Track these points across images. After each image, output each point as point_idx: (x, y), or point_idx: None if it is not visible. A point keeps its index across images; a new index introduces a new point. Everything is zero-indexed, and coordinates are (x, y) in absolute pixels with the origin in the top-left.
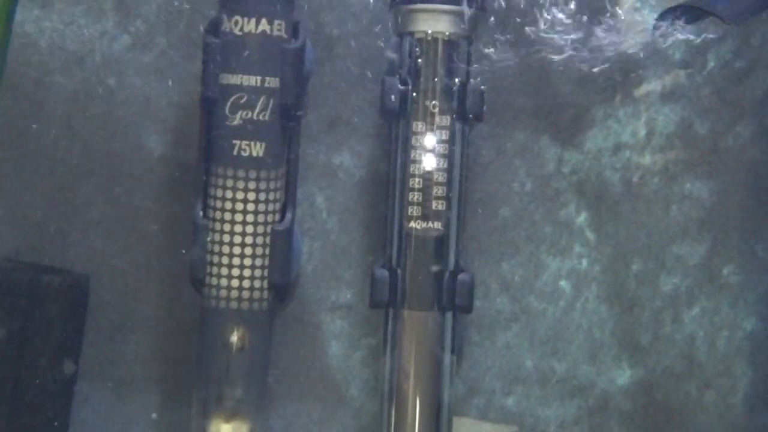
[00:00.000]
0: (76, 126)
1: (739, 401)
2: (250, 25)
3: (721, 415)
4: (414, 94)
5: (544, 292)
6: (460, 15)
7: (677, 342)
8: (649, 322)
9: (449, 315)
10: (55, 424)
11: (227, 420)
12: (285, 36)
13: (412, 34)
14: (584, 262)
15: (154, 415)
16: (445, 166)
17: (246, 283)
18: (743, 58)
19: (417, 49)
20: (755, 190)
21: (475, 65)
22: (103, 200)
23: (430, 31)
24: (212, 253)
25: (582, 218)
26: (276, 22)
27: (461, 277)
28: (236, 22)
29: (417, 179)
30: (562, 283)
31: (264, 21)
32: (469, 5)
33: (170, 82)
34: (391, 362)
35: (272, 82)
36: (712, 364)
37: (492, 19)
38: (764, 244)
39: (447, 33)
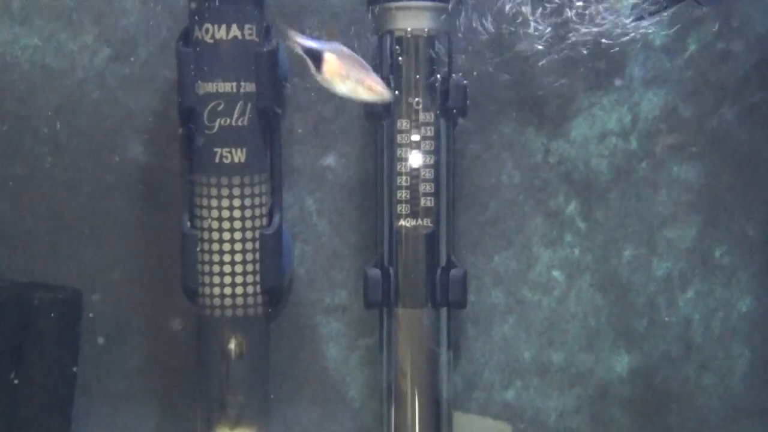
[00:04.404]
0: (61, 141)
1: (737, 381)
2: (221, 32)
3: (720, 397)
4: (397, 92)
5: (537, 283)
6: (438, 11)
7: (673, 326)
8: (644, 308)
9: (444, 311)
10: None
11: (231, 427)
12: (257, 40)
13: (391, 32)
14: (576, 251)
15: None
16: (432, 162)
17: (239, 290)
18: (724, 39)
19: (397, 47)
20: (743, 169)
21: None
22: (91, 214)
23: (409, 29)
24: (203, 262)
25: (572, 207)
26: (246, 26)
27: (454, 272)
28: (207, 30)
29: (404, 177)
30: (555, 273)
31: (234, 27)
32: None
33: (153, 93)
34: (388, 361)
35: (248, 86)
36: (709, 346)
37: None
38: (755, 223)
39: (426, 29)
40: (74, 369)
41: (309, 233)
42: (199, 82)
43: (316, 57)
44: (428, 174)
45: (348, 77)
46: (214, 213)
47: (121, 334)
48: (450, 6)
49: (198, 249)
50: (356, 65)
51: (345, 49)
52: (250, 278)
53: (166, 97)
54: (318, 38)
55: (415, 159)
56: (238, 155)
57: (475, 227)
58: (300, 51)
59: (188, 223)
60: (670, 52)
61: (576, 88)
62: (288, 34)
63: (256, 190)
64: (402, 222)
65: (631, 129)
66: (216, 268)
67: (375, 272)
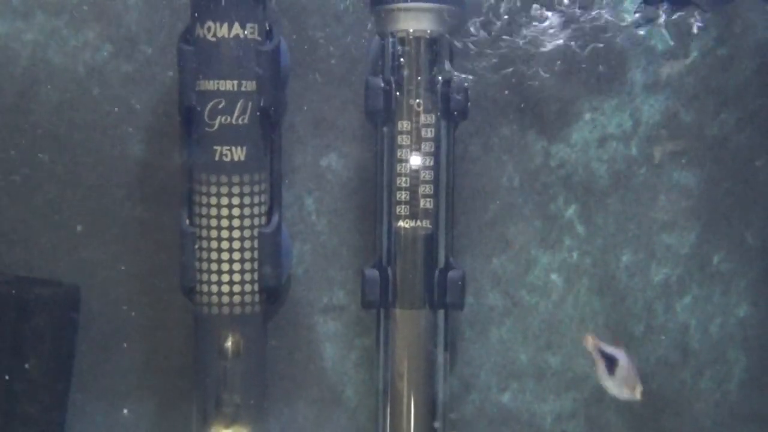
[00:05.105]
0: (61, 137)
1: (734, 387)
2: (222, 30)
3: (716, 402)
4: (398, 93)
5: (535, 286)
6: (440, 13)
7: (670, 331)
8: (641, 313)
9: (441, 312)
10: None
11: (227, 426)
12: (259, 38)
13: (393, 33)
14: (575, 254)
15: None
16: (432, 164)
17: (237, 288)
18: (726, 45)
19: (399, 48)
20: (742, 176)
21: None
22: (90, 210)
23: (411, 30)
24: (201, 260)
25: (571, 211)
26: (249, 25)
27: (452, 274)
28: (209, 28)
29: (404, 178)
30: (554, 276)
31: (236, 25)
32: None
33: (154, 90)
34: (385, 361)
35: (249, 85)
36: (706, 352)
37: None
38: (753, 230)
39: (428, 31)
40: (71, 365)
41: (308, 233)
42: (200, 79)
43: (610, 360)
44: (428, 175)
45: (629, 384)
46: (213, 211)
47: (118, 331)
48: (452, 8)
49: (196, 247)
50: (634, 372)
51: (629, 356)
52: (248, 277)
53: (167, 94)
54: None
55: (415, 160)
56: (238, 153)
57: (474, 229)
58: (595, 353)
59: (187, 221)
60: (671, 58)
61: (577, 92)
62: (589, 338)
63: (256, 189)
64: (401, 223)
65: (631, 134)
66: (214, 266)
67: (373, 273)
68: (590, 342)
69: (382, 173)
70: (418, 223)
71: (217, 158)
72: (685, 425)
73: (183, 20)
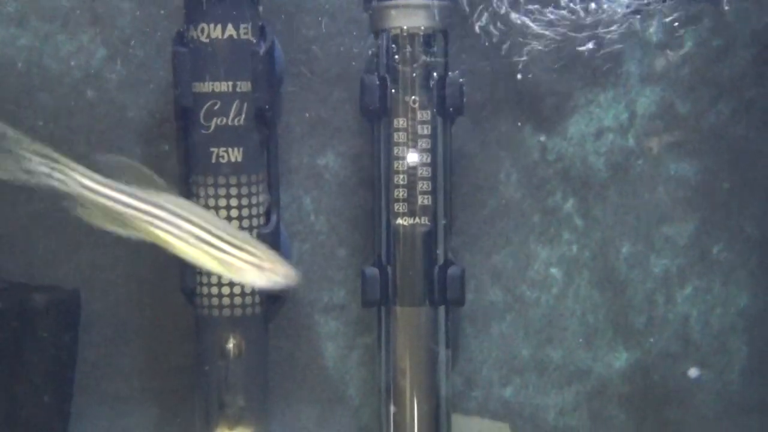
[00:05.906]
0: (58, 142)
1: (735, 378)
2: (216, 32)
3: (718, 393)
4: (393, 90)
5: (535, 281)
6: (434, 9)
7: (671, 322)
8: (642, 305)
9: (442, 309)
10: None
11: (230, 427)
12: (252, 39)
13: (387, 30)
14: (574, 248)
15: None
16: (429, 160)
17: (237, 290)
18: (720, 35)
19: (393, 45)
20: (740, 166)
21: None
22: None
23: (405, 27)
24: None
25: (569, 205)
26: (242, 26)
27: (451, 270)
28: (202, 30)
29: (401, 175)
30: (553, 270)
31: (230, 26)
32: None
33: (149, 93)
34: (386, 359)
35: (244, 86)
36: (707, 343)
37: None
38: (752, 220)
39: (422, 28)
40: (72, 369)
41: (306, 232)
42: (195, 81)
43: None
44: (425, 172)
45: None
46: (212, 212)
47: (119, 334)
48: (446, 3)
49: None
50: None
51: None
52: None
53: (163, 97)
54: None
55: (413, 157)
56: (235, 155)
57: (472, 225)
58: None
59: None
60: (667, 49)
61: (572, 86)
62: None
63: (253, 190)
64: (399, 220)
65: (628, 126)
66: None
67: (373, 271)
68: None
69: (380, 171)
70: (417, 220)
71: (213, 160)
72: (687, 416)
73: (176, 22)
